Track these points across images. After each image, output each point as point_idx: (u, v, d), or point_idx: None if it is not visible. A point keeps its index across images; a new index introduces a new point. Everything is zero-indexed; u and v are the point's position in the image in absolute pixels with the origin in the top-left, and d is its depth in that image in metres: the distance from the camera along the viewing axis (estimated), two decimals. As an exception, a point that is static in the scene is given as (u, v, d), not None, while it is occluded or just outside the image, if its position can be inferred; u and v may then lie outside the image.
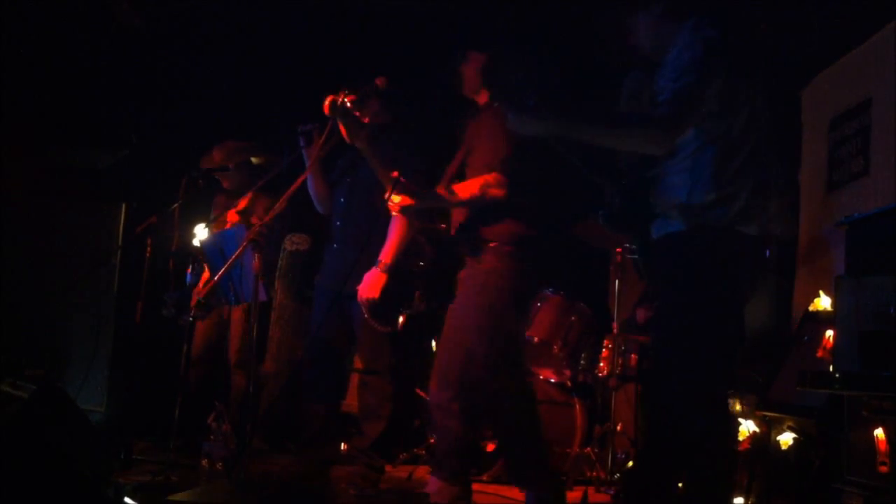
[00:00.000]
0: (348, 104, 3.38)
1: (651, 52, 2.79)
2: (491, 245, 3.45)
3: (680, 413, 2.54)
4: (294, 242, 5.40)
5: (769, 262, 4.84)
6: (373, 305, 3.63)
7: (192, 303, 4.32)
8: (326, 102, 3.43)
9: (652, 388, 2.79)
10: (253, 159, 4.97)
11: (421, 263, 3.62)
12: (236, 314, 4.75)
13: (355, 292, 3.70)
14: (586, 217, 4.46)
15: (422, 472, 4.59)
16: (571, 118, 2.60)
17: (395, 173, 3.36)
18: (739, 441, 3.80)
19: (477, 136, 3.54)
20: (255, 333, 3.49)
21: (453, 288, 3.57)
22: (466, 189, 3.44)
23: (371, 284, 3.64)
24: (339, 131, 3.60)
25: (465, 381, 3.42)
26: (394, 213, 3.52)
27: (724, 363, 2.60)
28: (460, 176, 3.60)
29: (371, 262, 3.70)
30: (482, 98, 3.61)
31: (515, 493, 4.25)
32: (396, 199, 3.40)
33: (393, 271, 3.65)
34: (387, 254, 3.68)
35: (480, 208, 3.47)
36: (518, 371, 3.64)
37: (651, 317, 4.88)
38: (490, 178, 3.41)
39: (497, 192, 3.41)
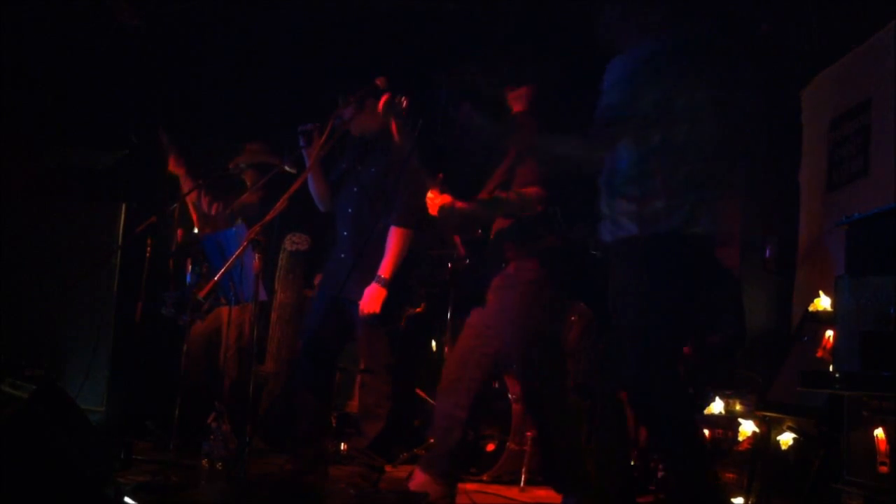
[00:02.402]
0: (404, 104, 3.46)
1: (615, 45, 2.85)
2: (521, 254, 3.49)
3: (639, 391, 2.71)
4: (294, 242, 5.40)
5: (769, 262, 4.85)
6: (375, 319, 3.68)
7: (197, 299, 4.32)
8: (383, 100, 3.51)
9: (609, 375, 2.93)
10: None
11: (449, 265, 3.65)
12: (232, 316, 4.73)
13: (355, 296, 3.74)
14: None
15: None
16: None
17: (441, 175, 3.44)
18: (739, 441, 3.80)
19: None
20: (255, 333, 3.50)
21: (483, 294, 3.60)
22: (504, 202, 3.49)
23: (372, 299, 3.70)
24: (338, 132, 3.60)
25: (478, 390, 3.50)
26: (432, 213, 3.54)
27: (673, 361, 2.78)
28: (506, 184, 3.61)
29: (369, 268, 3.74)
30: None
31: (515, 493, 4.25)
32: (437, 201, 3.46)
33: (392, 284, 3.71)
34: (385, 268, 3.73)
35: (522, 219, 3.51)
36: (561, 376, 3.66)
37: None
38: (533, 192, 3.46)
39: (535, 209, 3.47)
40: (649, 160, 2.68)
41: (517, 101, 3.63)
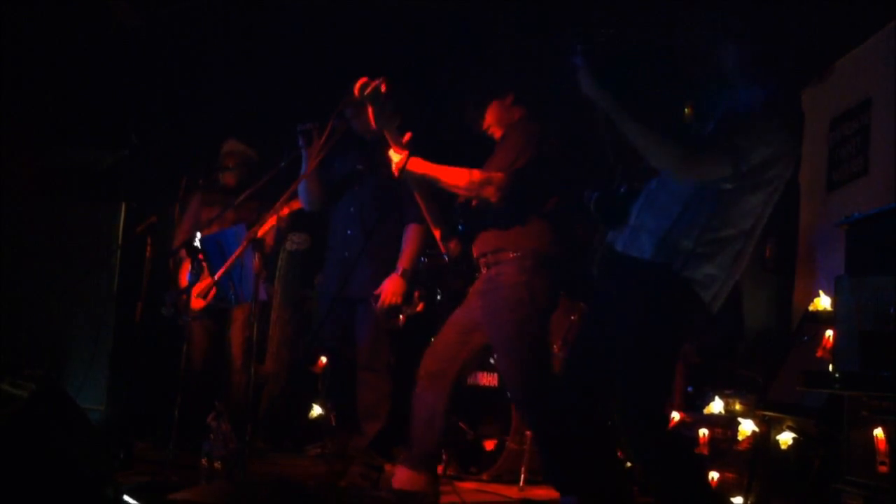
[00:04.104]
0: (382, 89, 3.36)
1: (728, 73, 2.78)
2: (512, 257, 3.43)
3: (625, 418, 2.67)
4: (294, 242, 5.40)
5: (769, 262, 4.85)
6: (394, 311, 3.71)
7: (193, 302, 4.32)
8: (357, 84, 3.39)
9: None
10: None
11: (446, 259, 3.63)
12: (239, 314, 4.75)
13: (358, 294, 3.76)
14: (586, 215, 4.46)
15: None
16: (623, 103, 2.58)
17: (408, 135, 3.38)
18: (739, 441, 3.80)
19: (504, 140, 3.56)
20: (255, 333, 3.50)
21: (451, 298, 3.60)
22: (467, 175, 3.40)
23: (395, 291, 3.75)
24: (338, 132, 3.60)
25: (457, 383, 3.52)
26: (395, 171, 3.44)
27: (659, 386, 2.71)
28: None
29: (375, 266, 3.77)
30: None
31: (514, 492, 4.26)
32: (396, 157, 3.39)
33: (411, 279, 3.76)
34: (407, 260, 3.78)
35: (505, 221, 3.45)
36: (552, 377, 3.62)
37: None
38: (494, 176, 3.39)
39: (491, 193, 3.37)
40: (711, 202, 2.58)
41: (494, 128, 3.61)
